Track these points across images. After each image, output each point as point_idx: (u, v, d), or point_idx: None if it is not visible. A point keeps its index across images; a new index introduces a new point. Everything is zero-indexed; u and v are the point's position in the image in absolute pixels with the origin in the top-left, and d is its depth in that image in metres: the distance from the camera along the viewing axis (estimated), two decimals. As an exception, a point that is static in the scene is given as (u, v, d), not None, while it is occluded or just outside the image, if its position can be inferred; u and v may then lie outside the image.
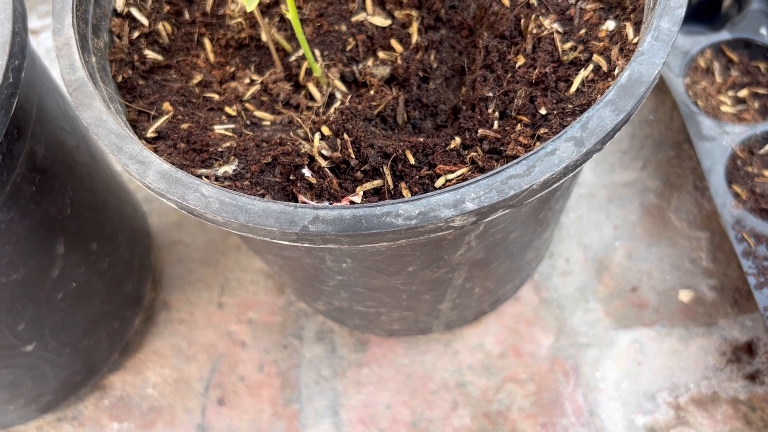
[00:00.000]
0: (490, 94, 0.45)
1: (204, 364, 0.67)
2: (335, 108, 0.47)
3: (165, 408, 0.65)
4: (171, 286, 0.71)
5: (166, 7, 0.50)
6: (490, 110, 0.44)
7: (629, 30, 0.43)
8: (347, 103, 0.47)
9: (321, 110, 0.48)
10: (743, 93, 0.67)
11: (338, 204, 0.38)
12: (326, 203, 0.40)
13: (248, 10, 0.38)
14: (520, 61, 0.45)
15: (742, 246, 0.59)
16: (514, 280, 0.61)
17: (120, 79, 0.47)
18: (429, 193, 0.35)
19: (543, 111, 0.43)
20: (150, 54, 0.48)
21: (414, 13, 0.51)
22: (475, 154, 0.42)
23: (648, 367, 0.63)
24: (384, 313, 0.57)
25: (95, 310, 0.60)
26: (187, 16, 0.51)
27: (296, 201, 0.42)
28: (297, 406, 0.64)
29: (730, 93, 0.67)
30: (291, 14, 0.43)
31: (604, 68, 0.43)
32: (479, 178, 0.35)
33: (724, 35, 0.68)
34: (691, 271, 0.67)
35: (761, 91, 0.66)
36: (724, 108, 0.66)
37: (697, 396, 0.61)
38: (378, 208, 0.35)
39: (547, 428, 0.61)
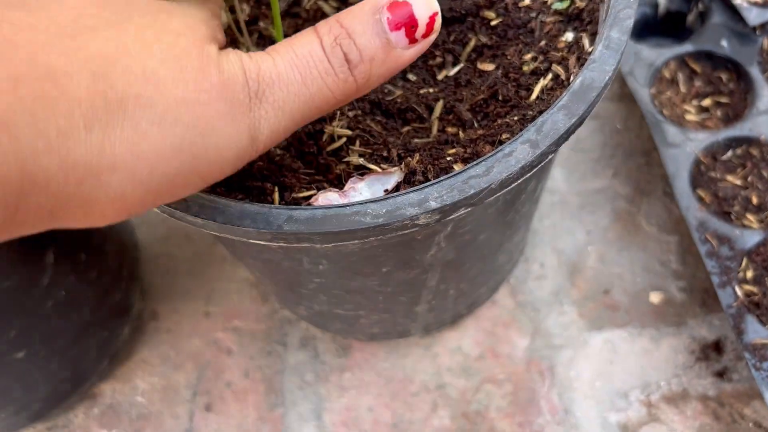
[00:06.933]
0: None
1: (191, 371, 0.69)
2: None
3: (154, 414, 0.67)
4: (159, 296, 0.73)
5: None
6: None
7: (585, 41, 0.46)
8: None
9: None
10: (707, 102, 0.70)
11: (311, 205, 0.41)
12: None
13: None
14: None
15: (705, 247, 0.61)
16: (488, 282, 0.63)
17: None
18: (395, 194, 0.38)
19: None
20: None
21: None
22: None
23: (620, 366, 0.65)
24: (363, 316, 0.59)
25: (84, 319, 0.62)
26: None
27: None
28: (281, 410, 0.66)
29: (695, 102, 0.70)
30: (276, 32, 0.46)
31: (563, 76, 0.46)
32: (442, 178, 0.38)
33: (687, 47, 0.71)
34: (661, 273, 0.69)
35: (723, 100, 0.69)
36: (688, 116, 0.69)
37: (667, 393, 0.63)
38: (348, 207, 0.38)
39: (524, 427, 0.63)
